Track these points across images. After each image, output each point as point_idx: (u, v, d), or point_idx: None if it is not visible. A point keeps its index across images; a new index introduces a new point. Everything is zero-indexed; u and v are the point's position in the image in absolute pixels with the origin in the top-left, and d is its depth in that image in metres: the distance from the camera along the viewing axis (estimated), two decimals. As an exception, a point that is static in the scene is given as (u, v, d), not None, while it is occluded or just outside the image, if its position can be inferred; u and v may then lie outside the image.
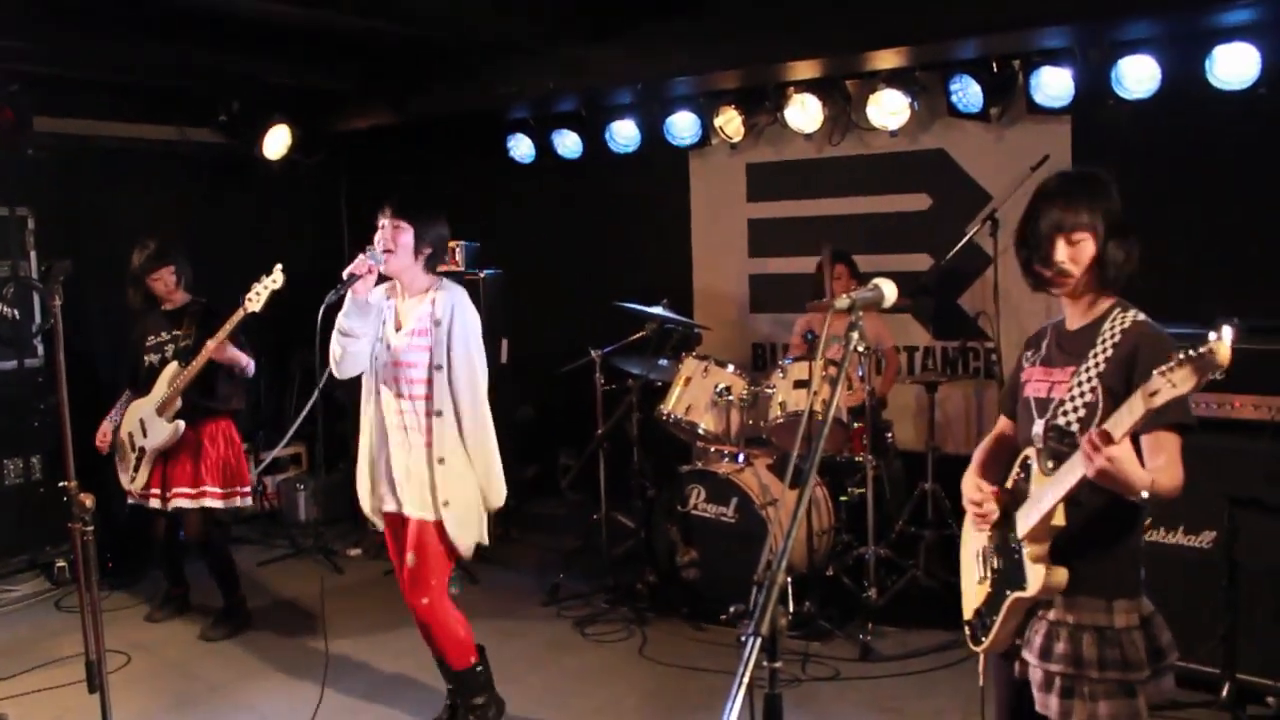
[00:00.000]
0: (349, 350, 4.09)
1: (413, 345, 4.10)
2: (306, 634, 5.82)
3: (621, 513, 6.43)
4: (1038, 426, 2.72)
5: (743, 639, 2.03)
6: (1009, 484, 2.80)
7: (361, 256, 3.99)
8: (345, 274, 3.96)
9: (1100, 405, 2.57)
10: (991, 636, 2.77)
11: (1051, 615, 2.67)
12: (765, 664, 2.03)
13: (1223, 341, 2.08)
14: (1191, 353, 2.12)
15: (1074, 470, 2.45)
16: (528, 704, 4.83)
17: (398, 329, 4.16)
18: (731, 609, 5.33)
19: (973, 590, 2.91)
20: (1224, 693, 4.35)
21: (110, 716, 3.54)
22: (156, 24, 6.06)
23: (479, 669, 4.42)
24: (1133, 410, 2.28)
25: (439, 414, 4.09)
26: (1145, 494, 2.44)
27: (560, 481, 8.06)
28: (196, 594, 6.18)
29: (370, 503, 4.30)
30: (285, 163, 7.91)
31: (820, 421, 5.30)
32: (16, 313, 6.56)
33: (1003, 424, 3.07)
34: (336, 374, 4.17)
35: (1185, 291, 5.64)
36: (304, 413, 4.42)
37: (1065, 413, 2.65)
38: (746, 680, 1.94)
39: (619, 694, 4.96)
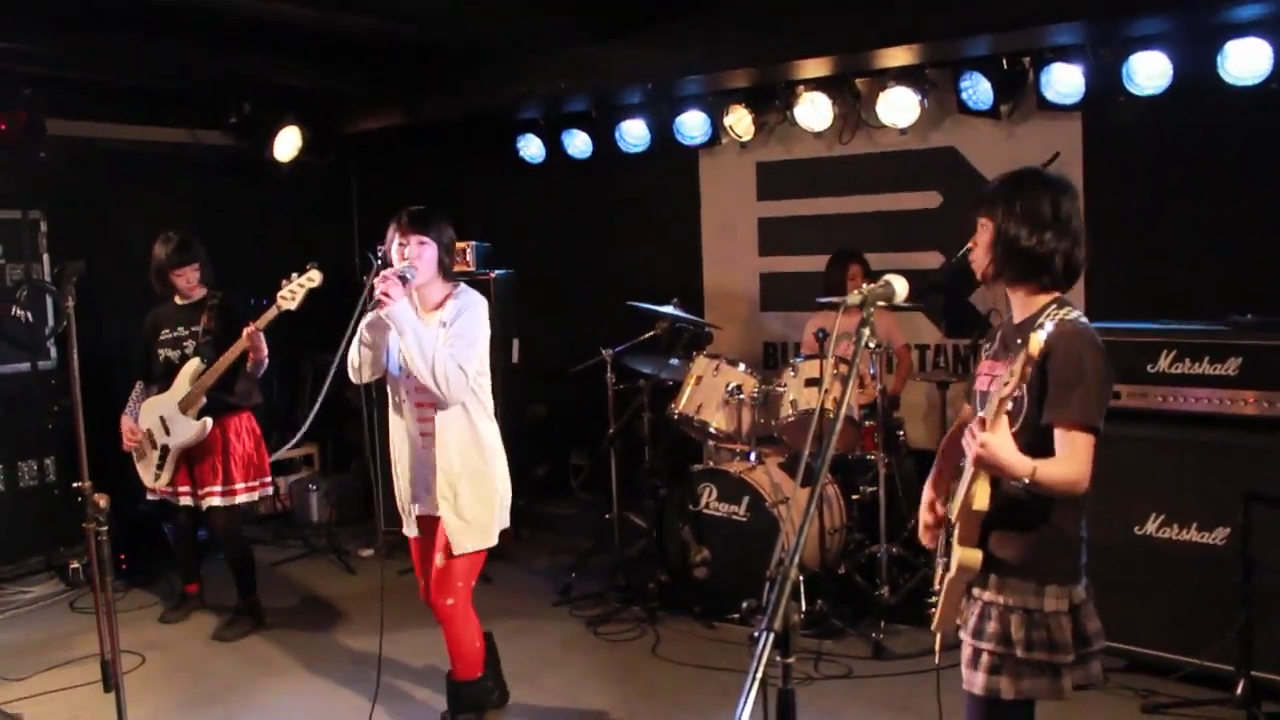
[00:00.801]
0: (367, 360, 4.11)
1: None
2: (320, 634, 5.84)
3: (633, 512, 6.43)
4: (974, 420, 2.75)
5: (756, 635, 2.03)
6: (957, 473, 2.87)
7: (390, 274, 3.98)
8: (379, 293, 3.91)
9: (1025, 400, 2.67)
10: (937, 615, 2.87)
11: (985, 596, 2.75)
12: (778, 660, 2.03)
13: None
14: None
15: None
16: (540, 703, 4.84)
17: None
18: (745, 605, 5.33)
19: (938, 568, 2.99)
20: (1238, 690, 4.34)
21: (125, 716, 3.55)
22: (168, 27, 6.08)
23: (481, 685, 4.44)
24: (993, 398, 2.53)
25: (451, 418, 4.10)
26: (1026, 480, 2.54)
27: (572, 481, 8.07)
28: (211, 594, 6.20)
29: (404, 508, 4.32)
30: (296, 164, 7.94)
31: (832, 419, 5.33)
32: (30, 315, 6.59)
33: (965, 412, 3.16)
34: (354, 380, 4.17)
35: (1196, 287, 5.64)
36: (311, 416, 4.43)
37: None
38: (760, 676, 1.94)
39: (631, 693, 4.96)
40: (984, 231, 2.84)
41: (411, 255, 4.09)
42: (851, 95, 6.68)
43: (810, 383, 5.68)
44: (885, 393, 5.74)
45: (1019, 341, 2.62)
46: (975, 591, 2.78)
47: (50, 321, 6.68)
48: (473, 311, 4.15)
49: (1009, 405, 2.54)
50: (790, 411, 5.72)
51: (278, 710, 4.93)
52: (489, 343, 4.22)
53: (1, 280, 6.54)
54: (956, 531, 2.72)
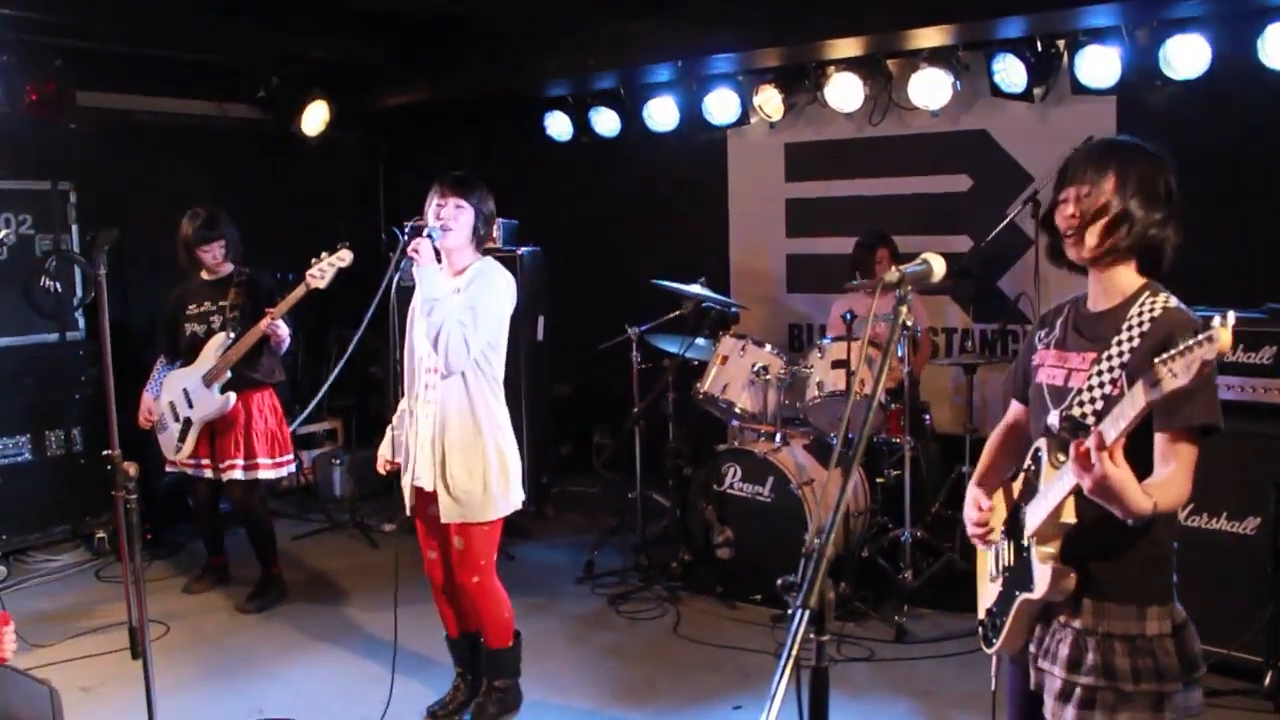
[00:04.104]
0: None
1: (434, 321, 4.05)
2: (340, 607, 5.86)
3: (657, 491, 6.44)
4: (1052, 417, 2.51)
5: (790, 611, 2.01)
6: (1021, 477, 2.62)
7: (420, 238, 3.99)
8: (411, 248, 3.96)
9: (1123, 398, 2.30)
10: (1002, 638, 2.61)
11: (1077, 623, 2.46)
12: (812, 637, 2.01)
13: (1225, 328, 1.91)
14: (1190, 340, 1.94)
15: (1069, 473, 2.28)
16: (562, 679, 4.86)
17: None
18: (779, 581, 5.30)
19: (986, 588, 2.77)
20: (1266, 681, 4.31)
21: (152, 684, 3.56)
22: (198, 0, 6.08)
23: (512, 652, 4.44)
24: (1134, 402, 2.08)
25: (450, 389, 4.09)
26: (1144, 515, 2.23)
27: (595, 460, 8.07)
28: (234, 566, 6.23)
29: (404, 480, 4.29)
30: (323, 138, 7.95)
31: (864, 400, 5.30)
32: (59, 286, 6.61)
33: (1014, 411, 2.88)
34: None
35: (1232, 275, 5.57)
36: (325, 388, 4.44)
37: (1082, 404, 2.44)
38: (794, 653, 1.92)
39: (652, 671, 4.96)
40: (1090, 201, 2.49)
41: (446, 217, 4.08)
42: (882, 76, 6.63)
43: (837, 364, 5.66)
44: (911, 375, 5.71)
45: (1139, 333, 2.37)
46: (1063, 618, 2.49)
47: (78, 292, 6.70)
48: (487, 281, 4.11)
49: (1142, 410, 2.09)
50: (816, 393, 5.70)
51: (300, 681, 4.96)
52: (507, 318, 4.19)
53: (30, 251, 6.55)
54: (1036, 547, 2.46)
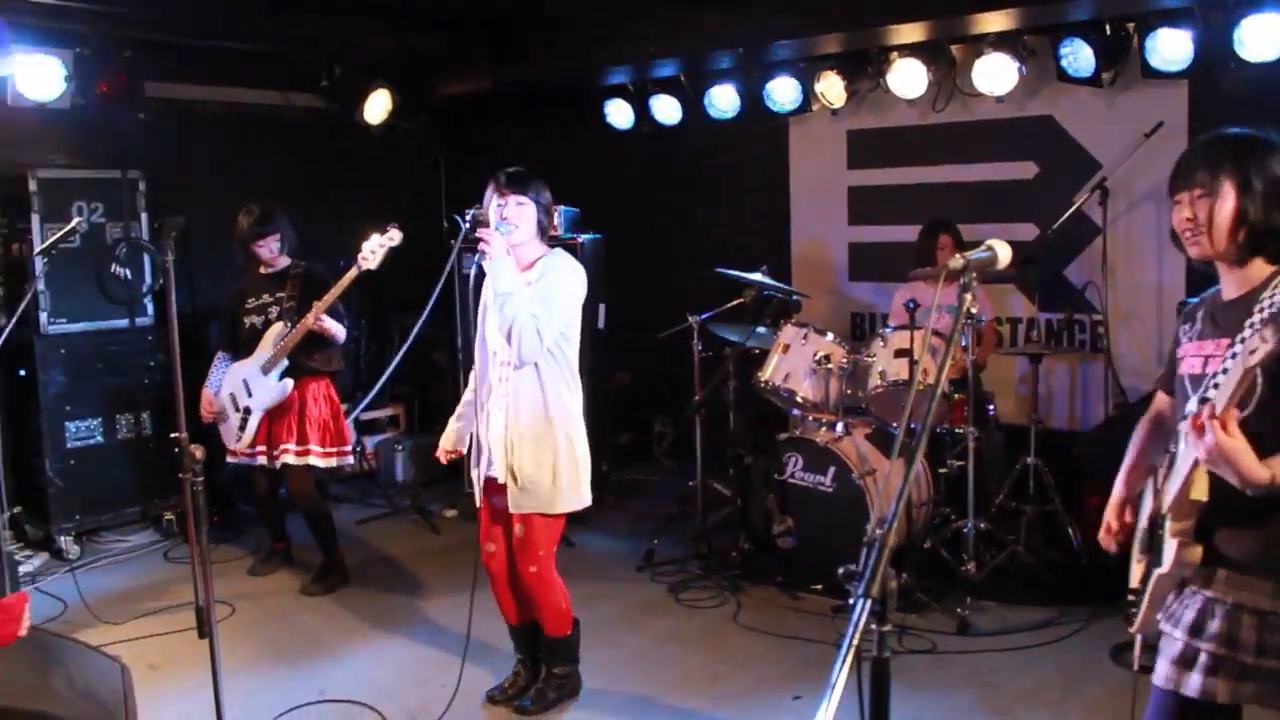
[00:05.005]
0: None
1: (506, 315, 4.06)
2: (403, 592, 5.92)
3: (717, 480, 6.42)
4: (1191, 403, 2.51)
5: (852, 601, 1.99)
6: (1164, 461, 2.62)
7: (490, 231, 4.02)
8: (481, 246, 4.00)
9: (1259, 381, 2.28)
10: (1139, 618, 2.62)
11: (1209, 592, 2.47)
12: (873, 628, 1.99)
13: None
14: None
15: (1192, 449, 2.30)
16: (621, 666, 4.87)
17: None
18: (841, 570, 5.25)
19: (1134, 565, 2.74)
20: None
21: (219, 663, 3.62)
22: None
23: (571, 640, 4.46)
24: (1236, 370, 2.13)
25: (523, 380, 4.10)
26: (1263, 487, 2.23)
27: (655, 448, 8.07)
28: (298, 550, 6.32)
29: (474, 471, 4.32)
30: (385, 127, 8.00)
31: (930, 389, 5.24)
32: (128, 272, 6.72)
33: (1160, 401, 2.90)
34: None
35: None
36: (388, 371, 4.48)
37: (1216, 386, 2.39)
38: (855, 643, 1.90)
39: (712, 660, 4.96)
40: (1203, 205, 2.48)
41: (510, 215, 4.11)
42: (946, 62, 6.53)
43: (899, 354, 5.60)
44: (975, 364, 5.65)
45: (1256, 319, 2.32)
46: (1194, 587, 2.50)
47: (147, 279, 6.81)
48: (558, 274, 4.14)
49: (1242, 378, 2.16)
50: (879, 382, 5.65)
51: (363, 664, 5.01)
52: (579, 309, 4.21)
53: (101, 238, 6.67)
54: (1169, 524, 2.47)
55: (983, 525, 5.54)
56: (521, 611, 4.49)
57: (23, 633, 2.80)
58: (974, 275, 2.43)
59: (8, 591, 4.59)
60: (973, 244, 2.67)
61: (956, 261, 2.44)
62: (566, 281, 4.14)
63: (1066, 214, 6.08)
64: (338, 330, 5.69)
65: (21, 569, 6.11)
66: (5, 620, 2.79)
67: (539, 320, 3.98)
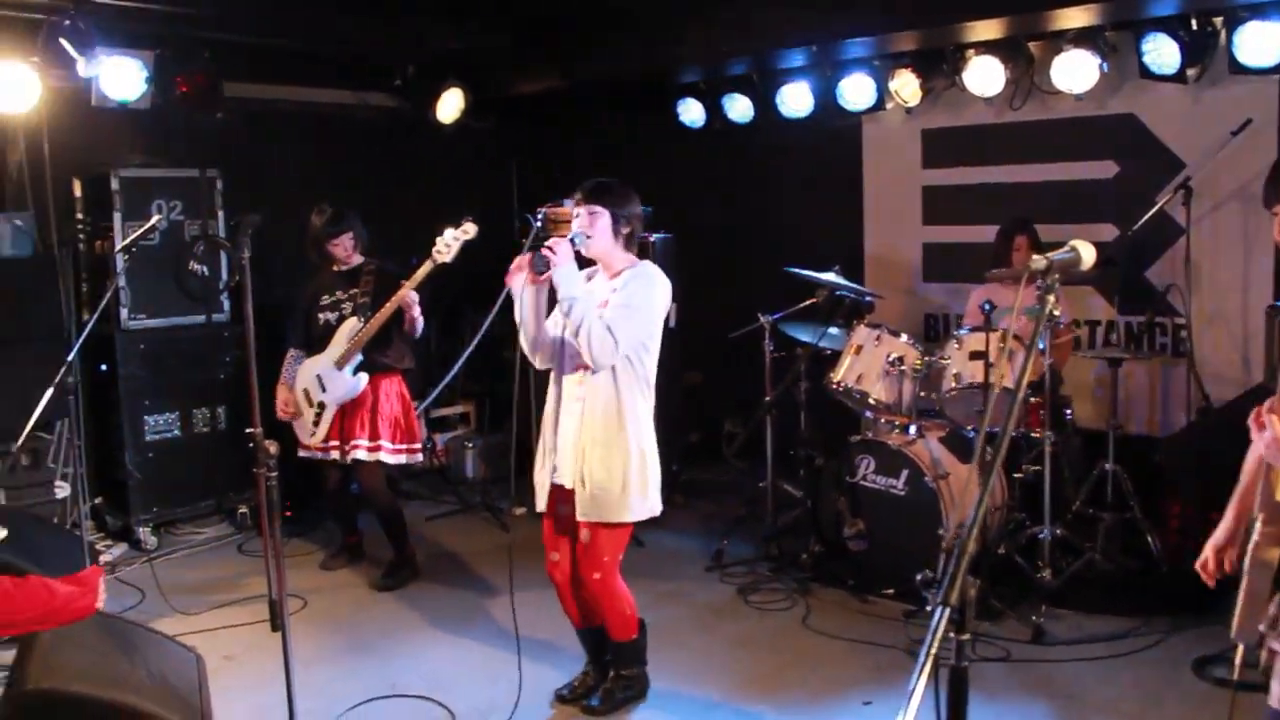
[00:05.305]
0: (527, 337, 4.17)
1: (574, 318, 4.08)
2: (471, 589, 5.94)
3: (787, 481, 6.37)
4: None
5: (930, 608, 1.95)
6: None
7: (559, 239, 4.04)
8: (545, 248, 4.00)
9: None
10: (1235, 621, 2.52)
11: None
12: (952, 636, 1.95)
13: None
14: None
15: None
16: (690, 667, 4.84)
17: None
18: (919, 577, 5.19)
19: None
20: None
21: (290, 655, 3.66)
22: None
23: (638, 643, 4.45)
24: None
25: (599, 385, 4.10)
26: None
27: (725, 449, 8.03)
28: (369, 545, 6.38)
29: (539, 476, 4.34)
30: (457, 126, 8.05)
31: (1010, 393, 5.14)
32: (206, 270, 6.83)
33: None
34: (536, 365, 4.21)
35: None
36: (457, 367, 4.51)
37: None
38: (934, 651, 1.86)
39: (781, 663, 4.91)
40: None
41: (582, 224, 4.14)
42: (1024, 59, 6.42)
43: (975, 356, 5.51)
44: (1053, 368, 5.54)
45: None
46: None
47: (224, 276, 6.92)
48: (641, 283, 4.13)
49: None
50: (953, 385, 5.57)
51: (432, 660, 5.04)
52: (660, 320, 4.21)
53: (180, 236, 6.78)
54: (1257, 525, 2.44)
55: (1059, 532, 5.42)
56: (587, 616, 4.48)
57: (100, 604, 2.86)
58: (1056, 276, 2.37)
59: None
60: (1050, 245, 2.60)
61: (1038, 262, 2.38)
62: (649, 291, 4.14)
63: (1148, 214, 5.94)
64: (419, 315, 5.70)
65: (102, 558, 6.25)
66: (83, 593, 2.84)
67: (614, 325, 3.97)
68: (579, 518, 4.15)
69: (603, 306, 4.08)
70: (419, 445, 6.10)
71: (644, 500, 4.19)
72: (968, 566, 1.93)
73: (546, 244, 4.00)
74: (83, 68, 5.93)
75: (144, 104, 6.41)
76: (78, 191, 6.84)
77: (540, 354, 4.23)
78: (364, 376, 5.75)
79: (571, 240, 4.06)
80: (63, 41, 5.83)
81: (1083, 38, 5.96)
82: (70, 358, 4.82)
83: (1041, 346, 5.43)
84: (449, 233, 5.14)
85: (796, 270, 5.98)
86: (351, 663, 5.02)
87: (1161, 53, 5.78)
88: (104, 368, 6.72)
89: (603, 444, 4.10)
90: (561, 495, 4.24)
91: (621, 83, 7.78)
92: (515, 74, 8.04)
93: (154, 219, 5.60)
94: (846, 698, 4.55)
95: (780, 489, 6.30)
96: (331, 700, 4.56)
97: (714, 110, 7.64)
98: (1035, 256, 2.38)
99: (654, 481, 4.23)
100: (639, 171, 7.17)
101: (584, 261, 4.21)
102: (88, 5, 5.82)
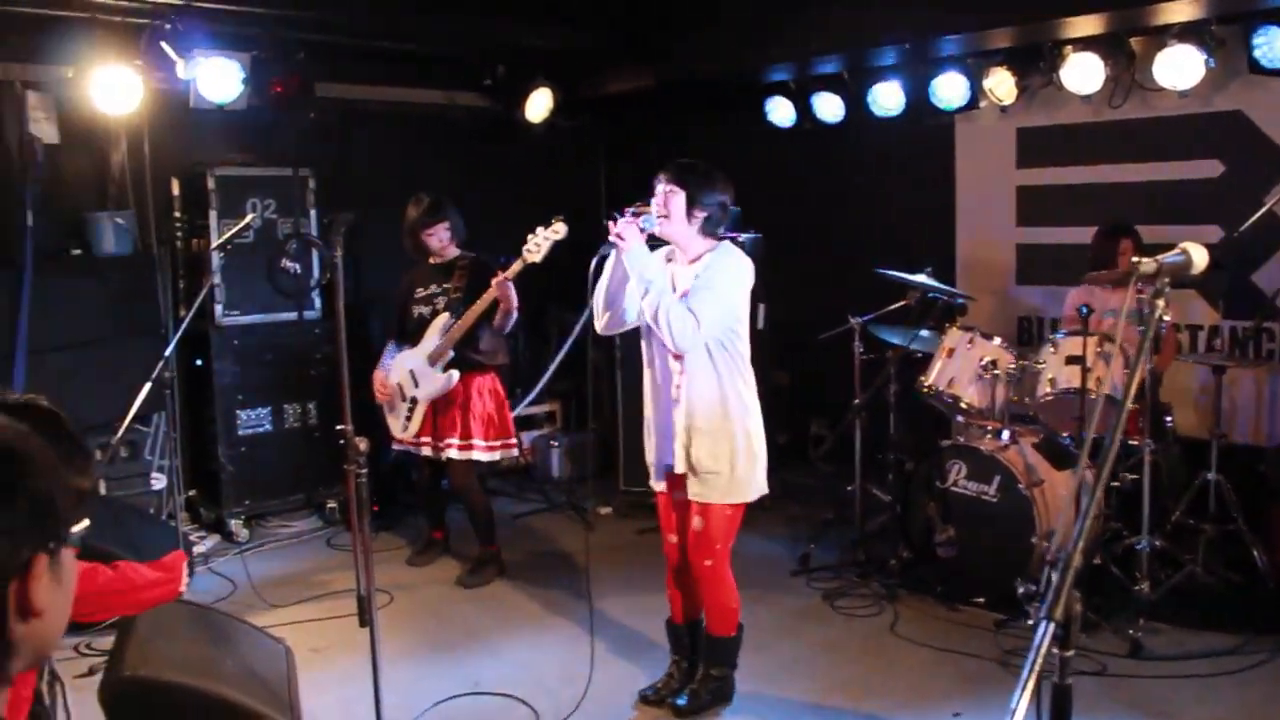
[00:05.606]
0: (600, 304, 4.19)
1: (649, 301, 4.06)
2: (557, 587, 5.94)
3: (875, 485, 6.28)
4: None
5: (1032, 623, 1.88)
6: None
7: (629, 217, 4.02)
8: (612, 236, 4.01)
9: None
10: None
11: None
12: (1055, 652, 1.88)
13: None
14: None
15: None
16: (776, 671, 4.79)
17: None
18: (1020, 590, 5.07)
19: None
20: None
21: (378, 651, 3.68)
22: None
23: (734, 642, 4.41)
24: None
25: (696, 371, 4.07)
26: None
27: (811, 451, 7.95)
28: (455, 541, 6.42)
29: (653, 462, 4.34)
30: (546, 125, 8.08)
31: (1110, 399, 5.01)
32: (298, 267, 6.93)
33: None
34: (597, 327, 4.21)
35: None
36: (550, 371, 4.51)
37: None
38: (1037, 667, 1.80)
39: (868, 670, 4.84)
40: None
41: (658, 201, 4.11)
42: (1125, 55, 6.23)
43: (1071, 360, 5.36)
44: (1153, 373, 5.37)
45: None
46: None
47: (316, 273, 7.01)
48: (722, 264, 4.10)
49: None
50: (1048, 390, 5.43)
51: (516, 657, 5.05)
52: (745, 301, 4.18)
53: (274, 234, 6.89)
54: None
55: (1158, 543, 5.25)
56: (687, 610, 4.46)
57: (183, 589, 2.91)
58: (1166, 281, 2.29)
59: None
60: (1151, 246, 2.50)
61: (1149, 265, 2.29)
62: (730, 273, 4.10)
63: (1255, 215, 5.72)
64: (516, 305, 5.68)
65: (195, 549, 6.36)
66: (168, 578, 2.91)
67: (697, 307, 3.94)
68: (691, 498, 4.16)
69: (686, 296, 4.05)
70: (513, 441, 6.09)
71: (751, 480, 4.20)
72: (1074, 580, 1.86)
73: (615, 231, 3.97)
74: (182, 70, 6.08)
75: (240, 105, 6.52)
76: (176, 191, 7.00)
77: (609, 314, 4.22)
78: (455, 375, 5.78)
79: (643, 225, 4.03)
80: (164, 45, 5.99)
81: (1188, 32, 5.77)
82: (167, 353, 4.91)
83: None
84: (540, 232, 5.14)
85: (888, 272, 5.88)
86: (436, 658, 5.05)
87: (1273, 46, 5.57)
88: (199, 363, 6.86)
89: (708, 433, 4.10)
90: (673, 480, 4.25)
91: (711, 82, 7.74)
92: (605, 74, 8.04)
93: (248, 217, 5.68)
94: (935, 708, 4.46)
95: (869, 493, 6.21)
96: (416, 696, 4.59)
97: (804, 110, 7.56)
98: (1144, 259, 2.28)
99: (760, 463, 4.22)
100: (728, 171, 7.13)
101: (658, 243, 4.22)
102: (189, 10, 5.95)
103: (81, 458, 2.53)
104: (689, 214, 4.11)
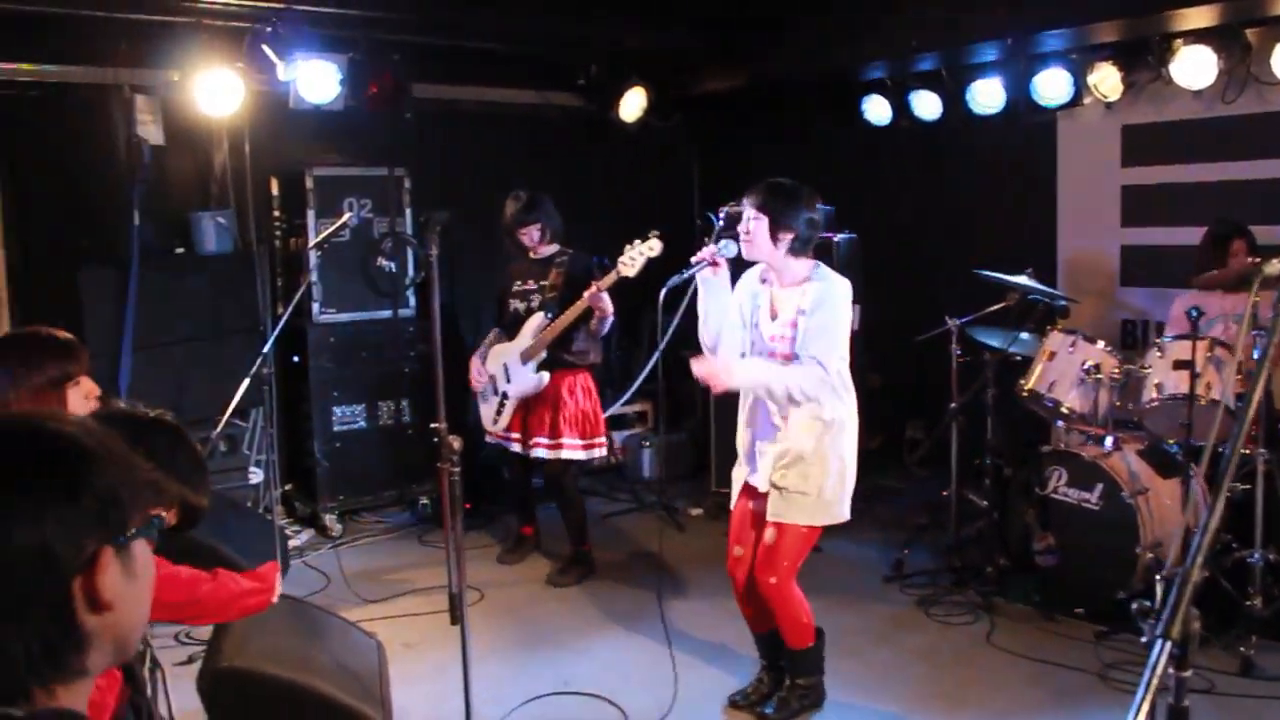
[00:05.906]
0: (709, 330, 4.23)
1: (781, 335, 4.10)
2: (645, 588, 5.89)
3: (972, 491, 6.14)
4: None
5: (1146, 640, 1.79)
6: None
7: (710, 247, 4.13)
8: (694, 260, 4.11)
9: None
10: None
11: None
12: (1171, 672, 1.79)
13: None
14: None
15: None
16: (867, 680, 4.70)
17: (773, 317, 4.16)
18: (1134, 606, 4.90)
19: None
20: None
21: (468, 648, 3.69)
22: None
23: (814, 652, 4.35)
24: None
25: (795, 403, 4.02)
26: None
27: (906, 456, 7.82)
28: (545, 539, 6.43)
29: (735, 473, 4.33)
30: (640, 125, 8.06)
31: (1229, 408, 4.83)
32: (393, 266, 7.01)
33: None
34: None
35: None
36: (644, 373, 4.50)
37: None
38: (1154, 686, 1.71)
39: (964, 680, 4.72)
40: None
41: (743, 226, 4.12)
42: (1240, 48, 5.99)
43: (1179, 365, 5.18)
44: (1269, 381, 5.17)
45: None
46: None
47: (410, 272, 7.08)
48: (829, 298, 4.06)
49: None
50: (1154, 395, 5.26)
51: (605, 658, 5.04)
52: (849, 324, 4.17)
53: (369, 232, 6.97)
54: None
55: (1272, 557, 5.04)
56: (762, 620, 4.40)
57: (275, 599, 2.99)
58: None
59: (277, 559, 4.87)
60: (1265, 249, 2.39)
61: (1273, 267, 2.18)
62: (839, 305, 4.09)
63: None
64: (610, 311, 5.66)
65: (291, 543, 6.47)
66: (262, 589, 2.99)
67: (820, 354, 3.97)
68: (769, 517, 4.11)
69: (791, 326, 4.04)
70: (603, 440, 6.05)
71: (837, 504, 4.15)
72: (1192, 597, 1.77)
73: (695, 268, 4.11)
74: (282, 72, 6.19)
75: (337, 105, 6.61)
76: (275, 190, 7.13)
77: (717, 346, 4.27)
78: (545, 377, 5.77)
79: (721, 252, 4.14)
80: (265, 48, 6.09)
81: (1309, 23, 5.56)
82: (265, 349, 4.99)
83: (1255, 355, 5.08)
84: (637, 245, 5.13)
85: (987, 273, 5.75)
86: (525, 657, 5.06)
87: (1398, 39, 5.34)
88: (296, 359, 6.97)
89: (802, 457, 4.05)
90: (754, 492, 4.21)
91: (806, 81, 7.65)
92: (699, 73, 8.01)
93: (345, 216, 5.77)
94: (1033, 721, 4.35)
95: (965, 499, 6.06)
96: (505, 693, 4.60)
97: (900, 107, 7.42)
98: (1271, 260, 2.18)
99: (849, 485, 4.18)
100: (822, 170, 7.07)
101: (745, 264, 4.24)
102: (289, 13, 6.05)
103: (199, 475, 2.61)
104: (774, 238, 4.08)
